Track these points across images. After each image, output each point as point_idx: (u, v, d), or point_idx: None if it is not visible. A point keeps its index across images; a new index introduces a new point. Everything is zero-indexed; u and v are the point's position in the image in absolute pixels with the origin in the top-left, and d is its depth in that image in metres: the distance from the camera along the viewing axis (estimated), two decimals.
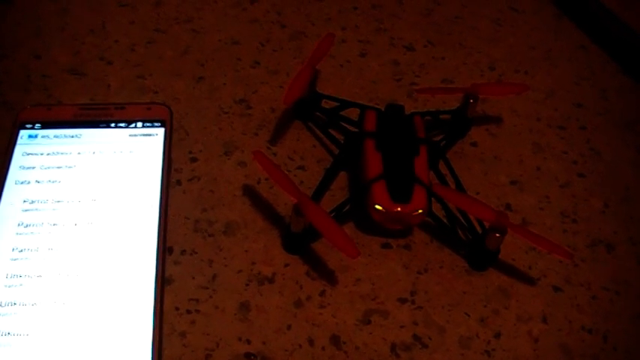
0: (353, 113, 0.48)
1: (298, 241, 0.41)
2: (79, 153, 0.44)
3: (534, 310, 0.41)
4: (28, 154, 0.43)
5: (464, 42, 0.58)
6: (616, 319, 0.41)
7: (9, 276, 0.37)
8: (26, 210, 0.40)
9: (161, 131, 0.45)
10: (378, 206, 0.41)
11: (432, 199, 0.43)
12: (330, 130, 0.48)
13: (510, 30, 0.59)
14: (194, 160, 0.46)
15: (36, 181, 0.42)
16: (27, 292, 0.37)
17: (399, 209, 0.41)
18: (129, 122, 0.45)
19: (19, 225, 0.40)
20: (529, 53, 0.58)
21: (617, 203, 0.47)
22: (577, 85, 0.55)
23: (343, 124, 0.48)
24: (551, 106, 0.53)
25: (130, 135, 0.45)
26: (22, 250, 0.38)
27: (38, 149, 0.43)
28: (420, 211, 0.41)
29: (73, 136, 0.44)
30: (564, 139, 0.51)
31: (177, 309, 0.39)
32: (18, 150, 0.43)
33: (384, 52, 0.56)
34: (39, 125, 0.45)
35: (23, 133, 0.44)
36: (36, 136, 0.44)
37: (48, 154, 0.43)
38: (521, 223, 0.45)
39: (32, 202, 0.41)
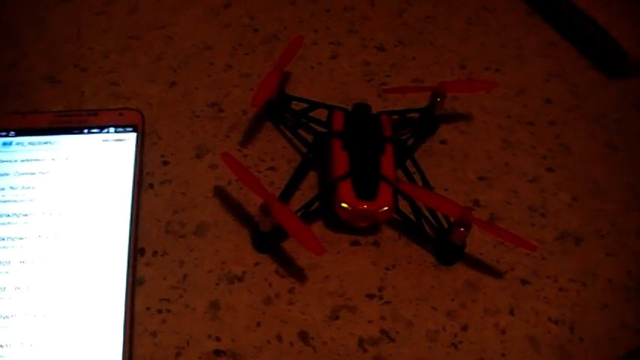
0: (322, 114, 0.49)
1: (267, 240, 0.42)
2: (53, 159, 0.44)
3: (501, 303, 0.42)
4: (3, 162, 0.44)
5: (435, 41, 0.58)
6: (583, 310, 0.42)
7: None
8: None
9: (133, 136, 0.46)
10: (344, 204, 0.42)
11: (399, 196, 0.44)
12: (299, 131, 0.49)
13: (481, 29, 0.60)
14: (166, 163, 0.47)
15: (10, 187, 0.43)
16: None
17: (364, 207, 0.42)
18: (102, 128, 0.46)
19: None
20: (500, 51, 0.58)
21: (585, 197, 0.48)
22: (547, 82, 0.56)
23: (312, 124, 0.49)
24: (521, 103, 0.54)
25: (102, 140, 0.46)
26: None
27: (12, 156, 0.44)
28: (386, 208, 0.42)
29: (47, 143, 0.45)
30: (534, 135, 0.52)
31: (148, 309, 0.40)
32: None
33: (355, 53, 0.56)
34: (13, 133, 0.45)
35: None
36: (10, 144, 0.45)
37: (22, 161, 0.44)
38: (489, 218, 0.46)
39: (4, 210, 0.41)
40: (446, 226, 0.44)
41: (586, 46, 0.59)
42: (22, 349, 0.36)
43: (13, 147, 0.45)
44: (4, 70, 0.52)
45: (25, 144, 0.45)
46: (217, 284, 0.41)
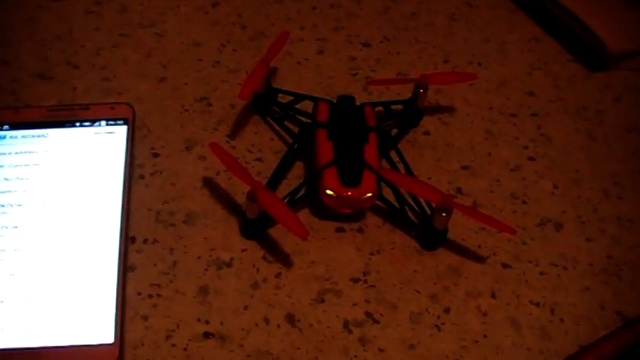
0: (308, 106, 0.50)
1: (255, 226, 0.43)
2: (45, 151, 0.45)
3: (483, 286, 0.43)
4: None
5: (419, 37, 0.60)
6: (563, 292, 0.43)
7: None
8: None
9: (124, 129, 0.47)
10: (329, 191, 0.43)
11: (383, 183, 0.45)
12: (286, 123, 0.50)
13: (465, 24, 0.61)
14: (156, 155, 0.48)
15: (4, 178, 0.44)
16: None
17: (349, 193, 0.43)
18: (93, 121, 0.47)
19: None
20: (483, 46, 0.60)
21: (566, 185, 0.49)
22: (529, 75, 0.58)
23: (299, 116, 0.50)
24: (504, 95, 0.55)
25: (94, 133, 0.47)
26: None
27: (6, 149, 0.45)
28: (370, 194, 0.43)
29: (40, 136, 0.46)
30: (516, 126, 0.53)
31: (139, 294, 0.41)
32: None
33: (341, 49, 0.58)
34: (7, 127, 0.46)
35: None
36: (4, 137, 0.46)
37: (16, 154, 0.45)
38: (472, 205, 0.47)
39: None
40: (428, 212, 0.45)
41: (568, 41, 0.60)
42: (17, 333, 0.37)
43: (7, 140, 0.46)
44: None
45: (19, 137, 0.46)
46: (206, 270, 0.42)
